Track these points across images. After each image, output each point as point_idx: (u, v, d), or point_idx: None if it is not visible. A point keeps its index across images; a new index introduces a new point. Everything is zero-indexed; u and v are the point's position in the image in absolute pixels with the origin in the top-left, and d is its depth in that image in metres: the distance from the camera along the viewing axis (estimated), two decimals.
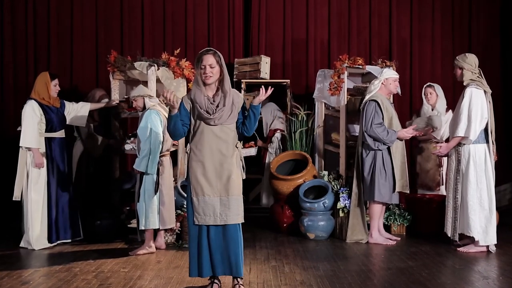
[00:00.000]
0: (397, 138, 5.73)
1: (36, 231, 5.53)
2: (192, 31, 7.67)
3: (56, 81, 5.78)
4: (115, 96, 6.24)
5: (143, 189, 5.30)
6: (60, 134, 5.78)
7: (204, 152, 3.94)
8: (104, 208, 6.07)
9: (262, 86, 3.99)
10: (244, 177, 4.09)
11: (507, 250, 5.42)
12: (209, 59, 3.92)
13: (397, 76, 5.94)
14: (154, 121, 5.25)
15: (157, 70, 6.03)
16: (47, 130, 5.66)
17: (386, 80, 5.83)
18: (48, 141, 5.69)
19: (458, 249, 5.40)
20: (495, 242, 5.33)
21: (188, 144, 4.03)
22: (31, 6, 7.50)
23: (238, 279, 4.04)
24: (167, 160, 5.43)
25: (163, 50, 6.87)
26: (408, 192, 5.88)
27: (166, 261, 5.03)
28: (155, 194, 5.29)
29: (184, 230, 5.64)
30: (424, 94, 6.59)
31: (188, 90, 6.38)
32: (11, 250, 5.52)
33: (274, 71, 7.48)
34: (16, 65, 7.52)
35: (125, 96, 6.26)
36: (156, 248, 5.43)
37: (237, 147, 4.04)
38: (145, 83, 5.97)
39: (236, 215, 3.96)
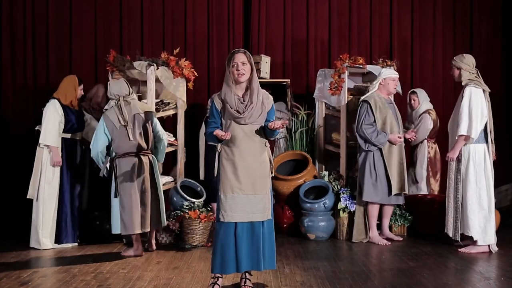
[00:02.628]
0: (389, 141, 5.74)
1: (46, 231, 5.55)
2: (191, 30, 7.64)
3: (82, 86, 5.88)
4: None
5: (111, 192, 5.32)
6: (79, 136, 5.85)
7: (234, 151, 3.99)
8: (104, 209, 6.03)
9: (274, 121, 3.96)
10: (273, 175, 4.17)
11: (508, 250, 5.39)
12: (241, 57, 3.99)
13: (396, 76, 5.93)
14: (97, 129, 5.24)
15: (156, 69, 6.01)
16: (64, 131, 5.69)
17: (384, 80, 5.86)
18: (65, 141, 5.71)
19: (459, 250, 5.37)
20: (493, 242, 5.31)
21: (219, 144, 4.06)
22: (29, 5, 7.46)
23: (247, 274, 4.11)
24: (126, 162, 5.19)
25: (163, 49, 6.83)
26: (406, 192, 5.86)
27: (166, 262, 5.00)
28: (115, 197, 5.21)
29: (183, 230, 5.61)
30: (408, 100, 6.72)
31: (188, 90, 6.39)
32: (11, 250, 5.48)
33: (274, 70, 7.45)
34: (15, 64, 7.48)
35: None
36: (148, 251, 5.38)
37: (266, 146, 4.09)
38: (144, 83, 5.95)
39: (262, 213, 4.01)
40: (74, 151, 5.81)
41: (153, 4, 7.62)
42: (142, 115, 5.29)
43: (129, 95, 5.32)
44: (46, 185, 5.58)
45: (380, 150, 5.76)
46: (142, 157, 5.25)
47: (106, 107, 5.48)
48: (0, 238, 6.12)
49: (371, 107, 5.76)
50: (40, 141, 5.61)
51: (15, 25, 7.48)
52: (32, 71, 7.45)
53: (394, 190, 5.74)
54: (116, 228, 5.27)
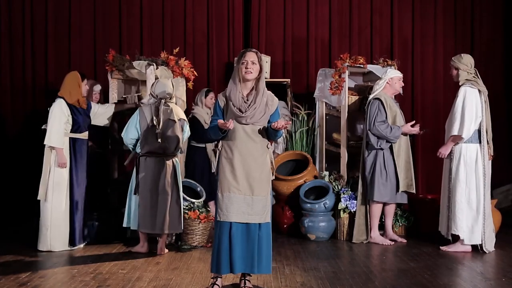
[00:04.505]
0: (402, 134, 5.75)
1: (56, 232, 5.44)
2: (191, 30, 7.62)
3: (85, 81, 5.72)
4: (114, 96, 6.19)
5: (129, 187, 5.30)
6: (84, 135, 5.70)
7: (234, 151, 3.97)
8: (103, 209, 6.01)
9: (277, 121, 3.93)
10: (273, 178, 4.12)
11: (508, 251, 5.38)
12: (252, 56, 3.97)
13: (402, 75, 5.98)
14: (130, 120, 5.30)
15: (156, 69, 5.98)
16: (72, 131, 5.57)
17: (391, 79, 5.88)
18: (73, 141, 5.59)
19: (441, 247, 5.40)
20: (480, 242, 5.31)
21: (221, 142, 4.05)
22: (28, 4, 7.44)
23: (246, 275, 4.08)
24: (150, 162, 5.22)
25: (162, 49, 6.81)
26: (413, 191, 5.84)
27: (165, 262, 4.99)
28: (135, 194, 5.22)
29: (183, 231, 5.58)
30: None
31: (187, 89, 6.36)
32: (10, 250, 5.45)
33: (274, 70, 7.43)
34: (13, 64, 7.46)
35: (123, 96, 6.21)
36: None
37: (267, 148, 4.06)
38: (144, 82, 5.93)
39: (259, 215, 3.98)
40: (82, 151, 5.65)
41: (153, 3, 7.60)
42: (177, 122, 5.27)
43: (171, 98, 5.31)
44: (55, 186, 5.46)
45: (391, 148, 5.75)
46: (166, 159, 5.25)
47: (143, 101, 5.40)
48: (3, 238, 6.10)
49: (383, 104, 5.76)
50: (45, 142, 5.46)
51: (14, 25, 7.46)
52: (31, 71, 7.43)
53: (402, 187, 5.74)
54: (126, 221, 5.30)
